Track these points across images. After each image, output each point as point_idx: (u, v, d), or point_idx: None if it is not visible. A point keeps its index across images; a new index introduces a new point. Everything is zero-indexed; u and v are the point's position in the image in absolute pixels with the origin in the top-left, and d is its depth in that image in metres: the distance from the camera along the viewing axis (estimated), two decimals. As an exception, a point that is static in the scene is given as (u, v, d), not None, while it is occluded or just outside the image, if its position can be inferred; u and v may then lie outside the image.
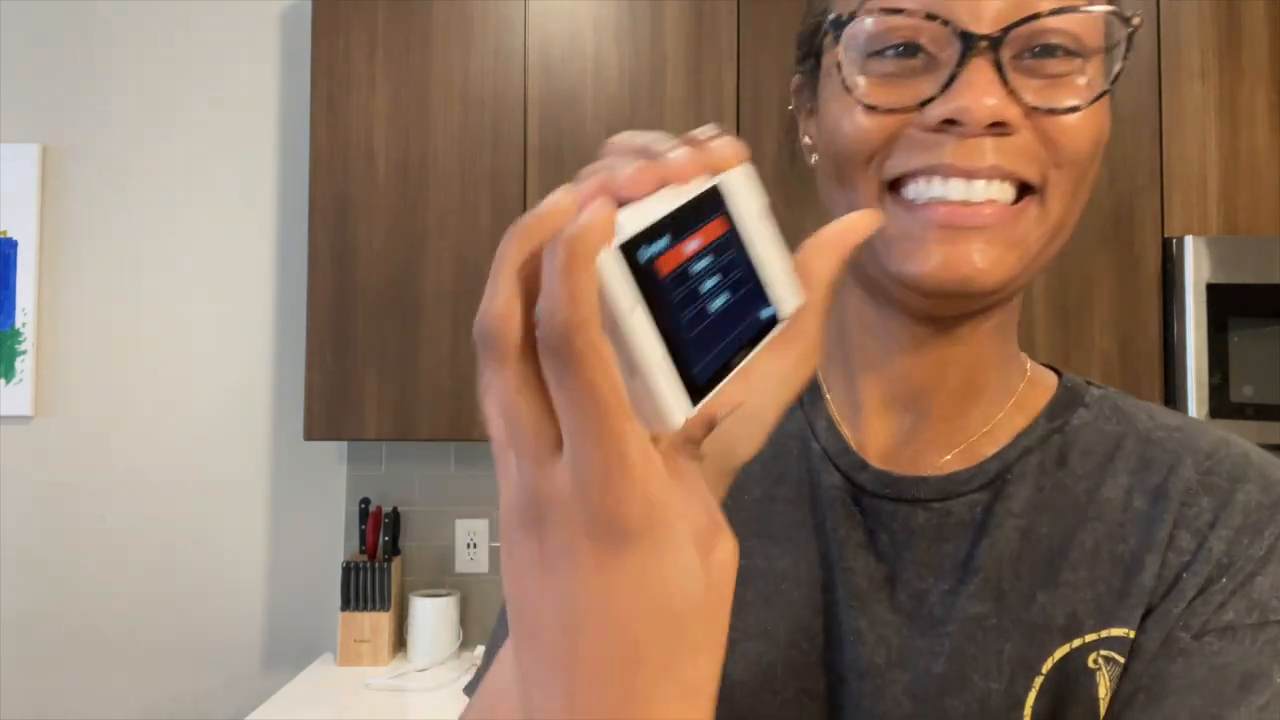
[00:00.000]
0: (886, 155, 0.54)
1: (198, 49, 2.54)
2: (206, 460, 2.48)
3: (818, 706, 0.57)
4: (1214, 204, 2.22)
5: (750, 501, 0.62)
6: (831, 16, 0.54)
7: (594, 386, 0.31)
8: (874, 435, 0.61)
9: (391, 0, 2.22)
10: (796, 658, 0.58)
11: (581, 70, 2.22)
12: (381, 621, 2.27)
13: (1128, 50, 0.53)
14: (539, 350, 0.32)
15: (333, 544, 2.48)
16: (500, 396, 0.33)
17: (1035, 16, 0.50)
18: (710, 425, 0.36)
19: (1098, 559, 0.55)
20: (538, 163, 2.21)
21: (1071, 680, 0.53)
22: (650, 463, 0.32)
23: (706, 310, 0.35)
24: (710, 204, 0.37)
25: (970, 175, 0.51)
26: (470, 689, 0.67)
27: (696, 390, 0.34)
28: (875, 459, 0.60)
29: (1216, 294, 2.14)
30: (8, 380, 2.45)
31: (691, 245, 0.35)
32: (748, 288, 0.38)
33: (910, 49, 0.52)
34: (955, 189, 0.52)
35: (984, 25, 0.50)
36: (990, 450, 0.59)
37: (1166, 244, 2.20)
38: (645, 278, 0.33)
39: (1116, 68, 0.53)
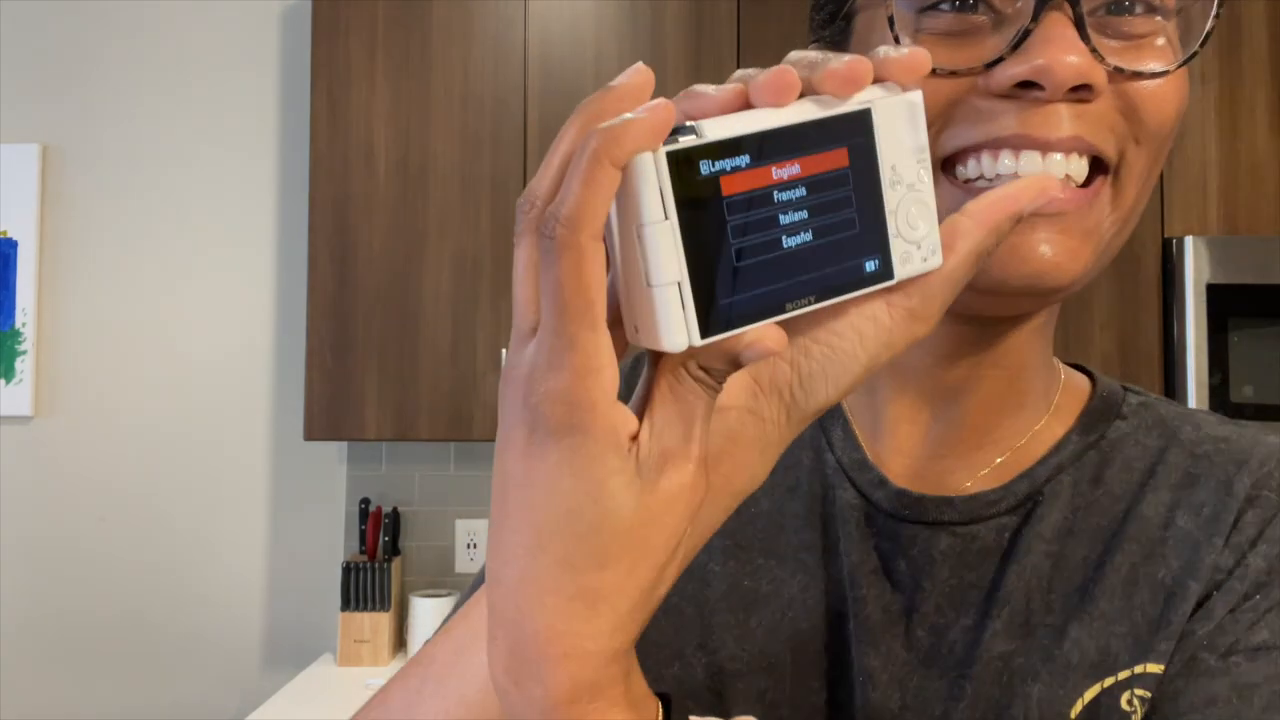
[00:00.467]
0: (942, 127, 0.46)
1: (198, 49, 2.54)
2: (206, 460, 2.48)
3: None
4: (1214, 204, 2.22)
5: (759, 514, 0.57)
6: None
7: (560, 285, 0.31)
8: (896, 448, 0.56)
9: (391, 0, 2.22)
10: (804, 698, 0.53)
11: (581, 70, 2.22)
12: (381, 621, 2.27)
13: (1218, 9, 0.45)
14: (534, 228, 0.32)
15: (333, 544, 2.48)
16: (514, 268, 0.33)
17: None
18: (734, 362, 0.33)
19: (1135, 585, 0.49)
20: (538, 163, 2.20)
21: None
22: (594, 372, 0.31)
23: (777, 243, 0.32)
24: (843, 130, 0.33)
25: (1047, 147, 0.44)
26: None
27: (722, 322, 0.32)
28: (896, 475, 0.55)
29: (1216, 294, 2.14)
30: (8, 380, 2.45)
31: (784, 171, 0.32)
32: (852, 232, 0.34)
33: (971, 1, 0.45)
34: (1029, 164, 0.44)
35: None
36: (1022, 467, 0.53)
37: (1166, 244, 2.20)
38: (701, 191, 0.31)
39: (1207, 26, 0.46)
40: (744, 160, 0.31)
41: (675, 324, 0.31)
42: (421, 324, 2.19)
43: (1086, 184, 0.46)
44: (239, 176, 2.52)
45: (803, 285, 0.33)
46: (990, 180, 0.45)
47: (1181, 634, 0.48)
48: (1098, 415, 0.55)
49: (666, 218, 0.30)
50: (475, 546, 2.47)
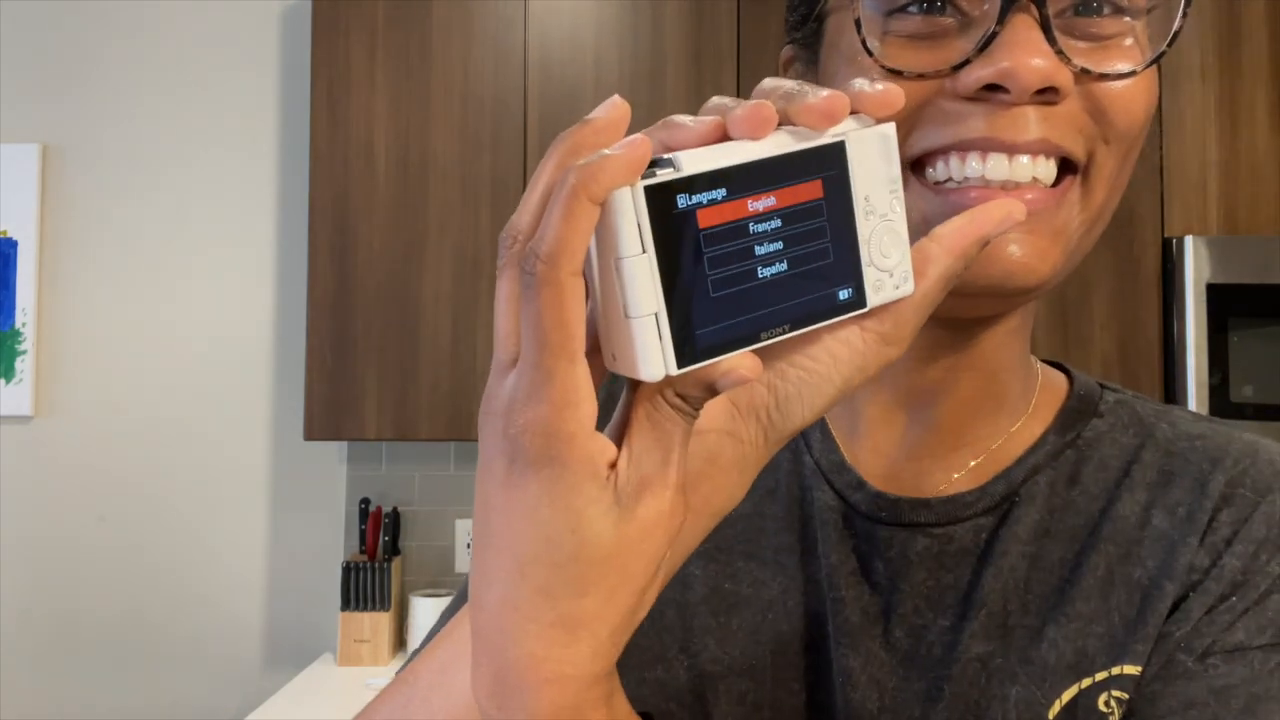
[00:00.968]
0: (909, 129, 0.46)
1: (198, 49, 2.54)
2: (206, 460, 2.48)
3: None
4: (1214, 204, 2.22)
5: (739, 517, 0.56)
6: None
7: (540, 319, 0.32)
8: (874, 449, 0.55)
9: (391, 0, 2.22)
10: (784, 699, 0.53)
11: (581, 70, 2.22)
12: (381, 621, 2.27)
13: (1185, 8, 0.46)
14: (515, 262, 0.33)
15: (333, 544, 2.48)
16: (496, 301, 0.34)
17: None
18: (710, 390, 0.34)
19: (1111, 586, 0.49)
20: (538, 163, 2.20)
21: None
22: (572, 405, 0.32)
23: (753, 274, 0.33)
24: (817, 162, 0.34)
25: (1013, 150, 0.45)
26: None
27: (698, 351, 0.33)
28: (873, 476, 0.55)
29: (1216, 294, 2.14)
30: (8, 380, 2.45)
31: (759, 203, 0.33)
32: (826, 262, 0.35)
33: (939, 4, 0.45)
34: (996, 167, 0.45)
35: None
36: (998, 468, 0.54)
37: (1166, 244, 2.20)
38: (677, 225, 0.32)
39: (1175, 26, 0.47)
40: (720, 193, 0.32)
41: (652, 354, 0.32)
42: (421, 324, 2.19)
43: (1056, 184, 0.46)
44: (239, 176, 2.52)
45: (778, 314, 0.34)
46: (959, 182, 0.46)
47: (1159, 635, 0.48)
48: (1075, 414, 0.55)
49: (644, 251, 0.31)
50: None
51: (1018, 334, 0.54)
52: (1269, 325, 2.16)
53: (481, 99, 2.22)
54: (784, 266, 0.34)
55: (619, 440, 0.35)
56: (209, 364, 2.49)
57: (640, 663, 0.54)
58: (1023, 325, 0.54)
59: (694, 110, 0.37)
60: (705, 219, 0.32)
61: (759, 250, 0.33)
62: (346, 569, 2.28)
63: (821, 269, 0.35)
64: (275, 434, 2.49)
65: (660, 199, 0.31)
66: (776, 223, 0.34)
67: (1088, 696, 0.48)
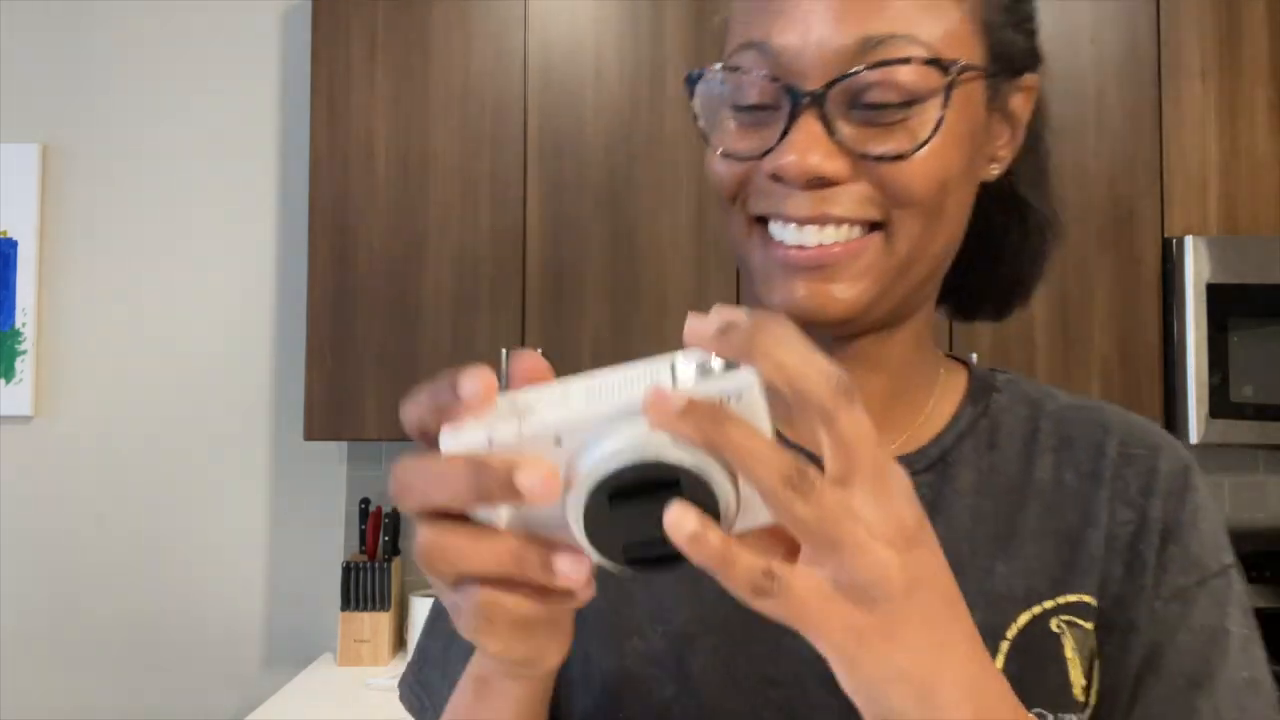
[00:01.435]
0: (746, 196, 0.57)
1: (198, 49, 2.54)
2: (206, 460, 2.48)
3: (780, 693, 0.58)
4: (1214, 204, 2.22)
5: None
6: (688, 72, 0.58)
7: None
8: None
9: (391, 0, 2.22)
10: (757, 647, 0.58)
11: (581, 70, 2.22)
12: (381, 621, 2.27)
13: (947, 99, 0.53)
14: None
15: (333, 544, 2.48)
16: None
17: (855, 72, 0.52)
18: None
19: (1043, 535, 0.60)
20: (538, 163, 2.21)
21: (1038, 644, 0.57)
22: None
23: None
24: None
25: (800, 223, 0.54)
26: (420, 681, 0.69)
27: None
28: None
29: (1216, 294, 2.14)
30: (8, 380, 2.45)
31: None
32: None
33: (761, 105, 0.55)
34: (789, 234, 0.55)
35: (811, 81, 0.53)
36: (927, 437, 0.63)
37: (1166, 244, 2.20)
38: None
39: (937, 115, 0.53)
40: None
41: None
42: (421, 324, 2.19)
43: (868, 234, 0.55)
44: (239, 176, 2.52)
45: None
46: (780, 240, 0.56)
47: (1131, 586, 0.59)
48: (979, 391, 0.65)
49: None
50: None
51: (912, 340, 0.62)
52: (1269, 325, 2.15)
53: (481, 99, 2.21)
54: None
55: None
56: (209, 364, 2.49)
57: (618, 634, 0.61)
58: (916, 332, 0.62)
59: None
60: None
61: None
62: (346, 569, 2.28)
63: None
64: (275, 434, 2.49)
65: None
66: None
67: (1040, 621, 0.58)
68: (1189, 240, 2.15)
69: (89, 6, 2.53)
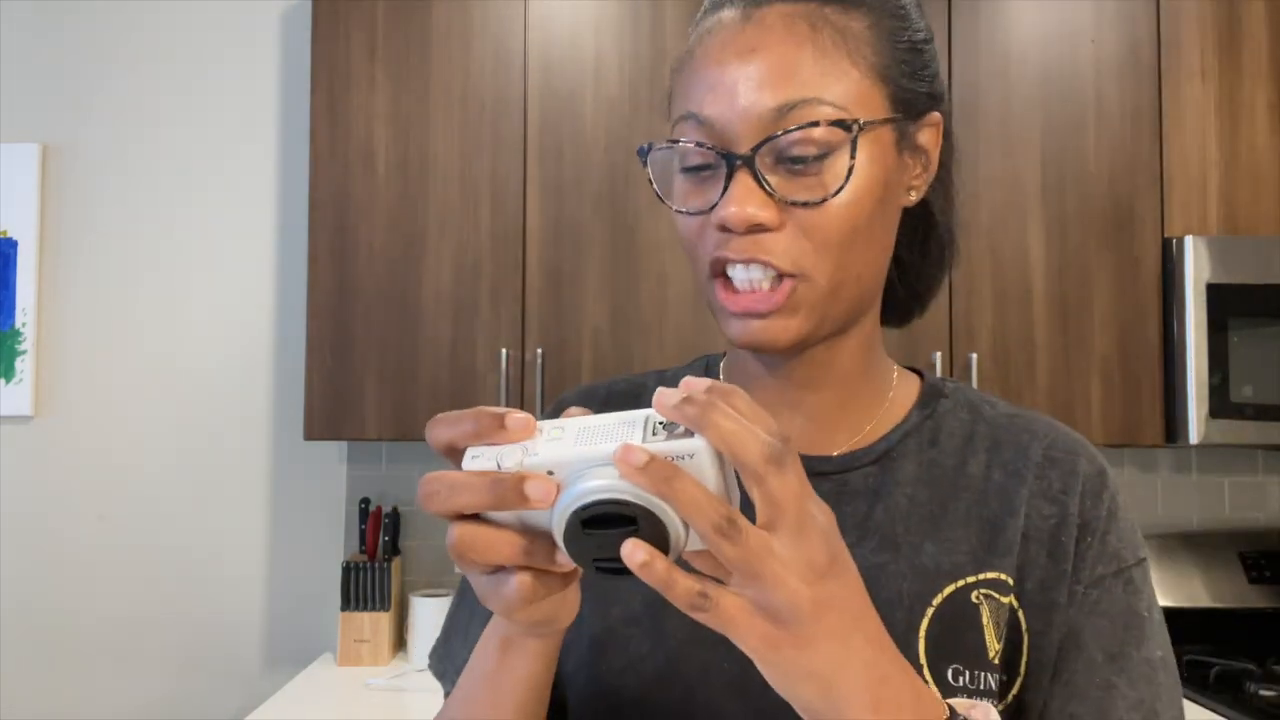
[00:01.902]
0: (702, 246, 0.67)
1: (198, 49, 2.54)
2: (206, 460, 2.48)
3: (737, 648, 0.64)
4: (1214, 204, 2.22)
5: None
6: (639, 147, 0.69)
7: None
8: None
9: (391, 0, 2.22)
10: None
11: (581, 70, 2.22)
12: (381, 621, 2.27)
13: (853, 151, 0.63)
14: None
15: (333, 544, 2.48)
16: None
17: (776, 136, 0.62)
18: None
19: (969, 521, 0.70)
20: (538, 163, 2.21)
21: (959, 611, 0.67)
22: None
23: None
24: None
25: (742, 262, 0.64)
26: (443, 662, 0.79)
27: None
28: None
29: (1216, 294, 2.14)
30: (8, 380, 2.45)
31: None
32: None
33: (705, 166, 0.66)
34: (737, 275, 0.65)
35: (741, 145, 0.63)
36: (878, 435, 0.73)
37: (1166, 244, 2.20)
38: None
39: (847, 167, 0.63)
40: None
41: None
42: (421, 324, 2.19)
43: (782, 280, 0.65)
44: (239, 176, 2.52)
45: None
46: (727, 285, 0.66)
47: (1053, 570, 0.68)
48: (929, 397, 0.76)
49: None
50: (475, 546, 2.47)
51: (858, 350, 0.72)
52: (1269, 325, 2.16)
53: (481, 99, 2.22)
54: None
55: None
56: (209, 364, 2.49)
57: (604, 602, 0.71)
58: (861, 343, 0.72)
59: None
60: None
61: None
62: (346, 569, 2.28)
63: None
64: (275, 434, 2.49)
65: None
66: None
67: (962, 593, 0.67)
68: (1189, 240, 2.15)
69: (89, 6, 2.53)
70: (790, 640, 0.46)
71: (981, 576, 0.68)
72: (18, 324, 2.45)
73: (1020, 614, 0.68)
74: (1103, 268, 2.20)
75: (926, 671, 0.65)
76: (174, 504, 2.47)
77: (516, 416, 0.47)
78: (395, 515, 2.42)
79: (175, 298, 2.50)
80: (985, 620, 0.67)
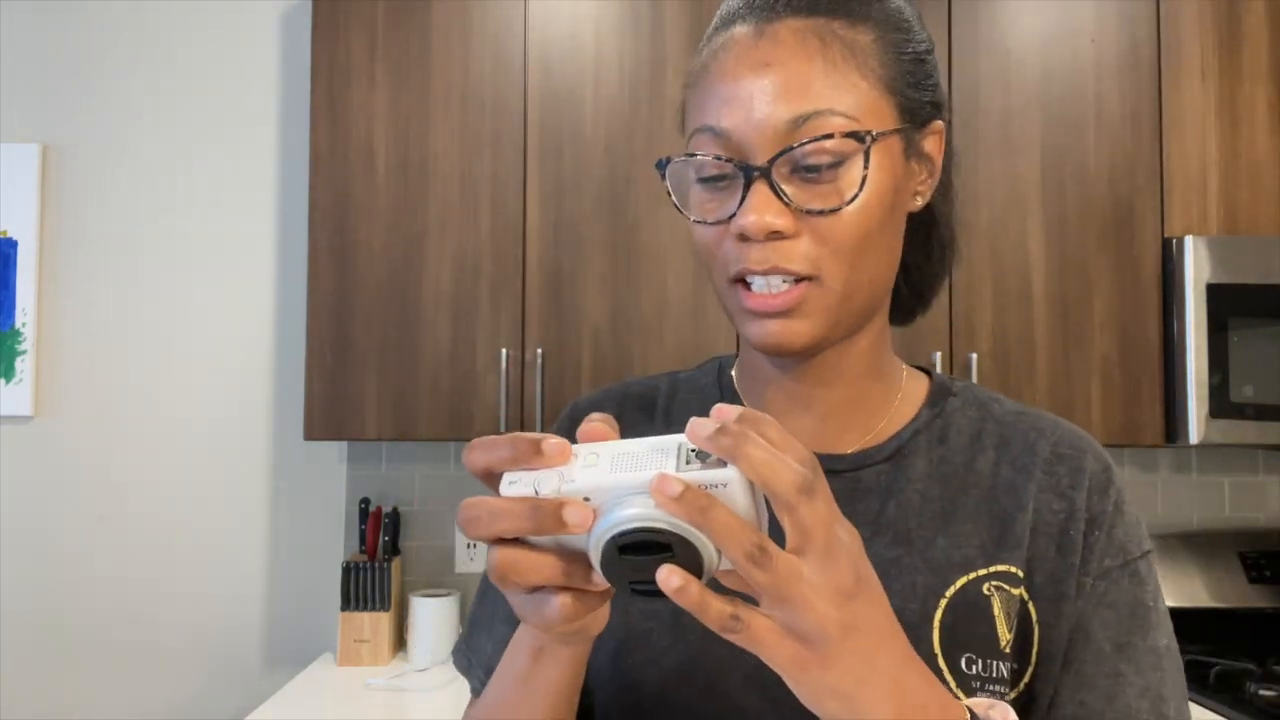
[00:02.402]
0: (725, 256, 0.69)
1: (198, 49, 2.54)
2: (207, 460, 2.48)
3: None
4: (1214, 204, 2.22)
5: None
6: (657, 160, 0.71)
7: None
8: (789, 427, 0.72)
9: (391, 0, 2.22)
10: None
11: (581, 70, 2.22)
12: (381, 621, 2.27)
13: (866, 163, 0.65)
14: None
15: (333, 544, 2.48)
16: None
17: (792, 148, 0.64)
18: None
19: (979, 516, 0.72)
20: (538, 163, 2.21)
21: (971, 602, 0.69)
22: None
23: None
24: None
25: (763, 274, 0.66)
26: (471, 662, 0.81)
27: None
28: None
29: (1216, 294, 2.14)
30: (8, 380, 2.45)
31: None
32: None
33: (727, 174, 0.68)
34: (757, 283, 0.67)
35: (758, 156, 0.65)
36: (889, 434, 0.76)
37: (1166, 244, 2.20)
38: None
39: (860, 176, 0.65)
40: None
41: None
42: (421, 324, 2.19)
43: (799, 283, 0.67)
44: (239, 176, 2.52)
45: None
46: (746, 292, 0.68)
47: (1062, 564, 0.70)
48: (938, 396, 0.78)
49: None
50: (475, 546, 2.47)
51: (869, 352, 0.75)
52: (1269, 325, 2.16)
53: (481, 99, 2.22)
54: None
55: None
56: (209, 364, 2.49)
57: (627, 602, 0.72)
58: (872, 345, 0.75)
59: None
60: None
61: None
62: (346, 569, 2.28)
63: None
64: (275, 434, 2.49)
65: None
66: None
67: (974, 585, 0.69)
68: (1189, 240, 2.15)
69: (89, 6, 2.53)
70: (817, 660, 0.48)
71: (992, 569, 0.70)
72: (18, 324, 2.45)
73: (1030, 606, 0.70)
74: (1103, 268, 2.20)
75: (941, 660, 0.68)
76: (174, 504, 2.47)
77: (552, 442, 0.49)
78: (395, 515, 2.42)
79: (175, 298, 2.50)
80: (997, 611, 0.69)
